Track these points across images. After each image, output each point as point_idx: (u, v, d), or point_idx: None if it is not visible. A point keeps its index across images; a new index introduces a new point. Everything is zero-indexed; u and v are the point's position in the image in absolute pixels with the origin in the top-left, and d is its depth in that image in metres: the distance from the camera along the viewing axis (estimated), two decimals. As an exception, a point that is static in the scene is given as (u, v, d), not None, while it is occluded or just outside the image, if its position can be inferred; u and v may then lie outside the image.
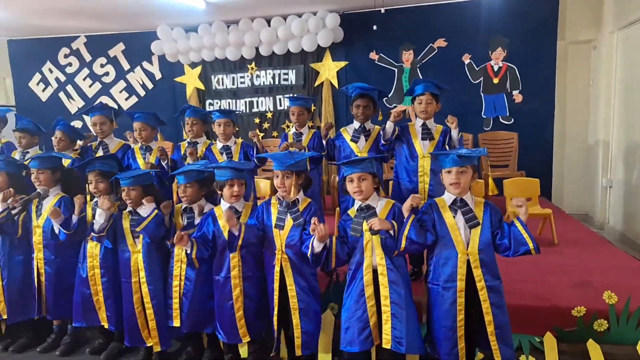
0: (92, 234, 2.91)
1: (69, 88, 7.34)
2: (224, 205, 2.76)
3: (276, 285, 2.66)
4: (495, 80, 6.26)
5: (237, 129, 3.91)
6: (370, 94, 3.39)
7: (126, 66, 7.22)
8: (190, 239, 2.63)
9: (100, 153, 3.73)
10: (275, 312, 2.68)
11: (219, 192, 2.79)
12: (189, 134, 3.68)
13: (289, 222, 2.64)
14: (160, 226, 2.83)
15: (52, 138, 3.85)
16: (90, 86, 7.31)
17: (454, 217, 2.45)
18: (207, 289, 2.86)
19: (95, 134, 3.93)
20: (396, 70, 6.54)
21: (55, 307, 3.21)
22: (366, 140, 3.42)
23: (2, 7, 5.76)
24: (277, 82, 6.91)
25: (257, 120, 7.01)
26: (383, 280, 2.46)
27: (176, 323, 2.87)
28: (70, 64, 7.28)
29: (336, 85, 6.69)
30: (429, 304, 2.55)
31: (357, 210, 2.55)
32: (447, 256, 2.43)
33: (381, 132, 3.31)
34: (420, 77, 6.44)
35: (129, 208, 2.93)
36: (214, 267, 2.80)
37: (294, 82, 6.86)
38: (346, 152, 3.46)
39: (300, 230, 2.61)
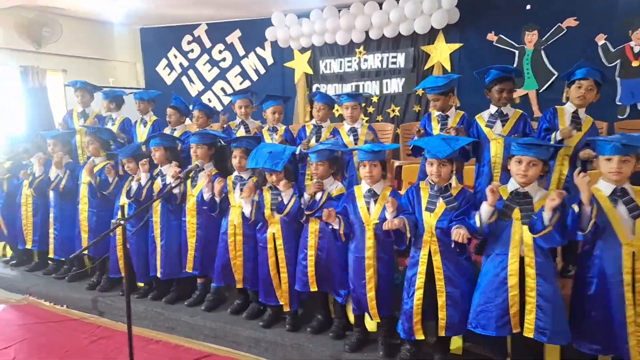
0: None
1: (191, 72, 7.91)
2: (364, 186, 2.85)
3: (423, 268, 2.65)
4: (635, 64, 5.52)
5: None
6: (512, 76, 3.20)
7: (241, 52, 7.58)
8: (337, 216, 2.77)
9: (241, 132, 4.02)
10: (419, 294, 2.65)
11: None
12: (316, 118, 3.80)
13: (440, 205, 2.61)
14: (298, 210, 3.04)
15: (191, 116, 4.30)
16: (209, 71, 7.81)
17: (614, 207, 2.32)
18: (338, 260, 3.01)
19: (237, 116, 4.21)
20: (517, 52, 6.06)
21: (202, 265, 3.55)
22: (503, 126, 3.23)
23: (140, -2, 6.35)
24: (384, 66, 6.78)
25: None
26: (530, 271, 2.39)
27: (313, 288, 3.06)
28: (192, 50, 7.84)
29: (448, 68, 6.39)
30: (586, 300, 2.45)
31: (512, 194, 2.46)
32: (609, 248, 2.32)
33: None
34: (545, 59, 5.92)
35: (269, 184, 3.15)
36: (351, 245, 2.90)
37: (402, 66, 6.69)
38: (482, 140, 3.30)
39: (452, 214, 2.57)
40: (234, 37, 7.56)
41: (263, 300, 3.32)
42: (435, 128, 3.50)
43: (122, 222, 2.57)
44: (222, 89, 7.77)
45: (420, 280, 2.65)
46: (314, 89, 7.22)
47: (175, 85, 7.94)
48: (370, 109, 6.92)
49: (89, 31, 7.58)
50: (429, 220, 2.62)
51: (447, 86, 3.43)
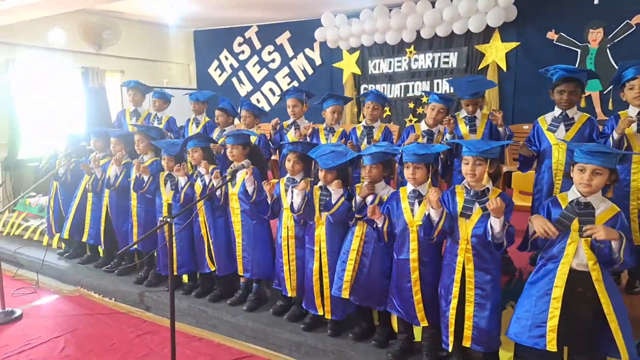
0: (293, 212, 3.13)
1: (241, 74, 8.03)
2: (409, 187, 2.78)
3: (458, 276, 2.54)
4: None
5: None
6: (578, 77, 2.97)
7: (290, 53, 7.60)
8: (382, 213, 2.72)
9: (291, 132, 4.01)
10: (454, 303, 2.56)
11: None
12: (368, 117, 3.77)
13: (477, 211, 2.48)
14: (346, 211, 2.96)
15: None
16: (258, 72, 7.89)
17: None
18: (381, 267, 2.92)
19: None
20: (579, 51, 5.70)
21: (251, 264, 3.51)
22: (567, 130, 3.00)
23: (195, 1, 6.49)
24: (436, 66, 6.59)
25: (411, 105, 6.81)
26: (600, 287, 2.19)
27: (345, 295, 2.95)
28: (242, 52, 7.95)
29: (504, 68, 6.12)
30: None
31: (572, 203, 2.26)
32: None
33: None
34: (611, 58, 5.52)
35: (320, 183, 3.11)
36: (395, 247, 2.81)
37: (454, 65, 6.47)
38: (542, 145, 3.10)
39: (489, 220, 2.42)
40: (283, 39, 7.60)
41: (305, 307, 3.25)
42: (464, 127, 3.45)
43: (168, 219, 2.59)
44: (271, 90, 7.84)
45: (456, 288, 2.55)
46: (362, 90, 7.13)
47: (225, 86, 8.08)
48: (420, 110, 6.74)
49: (146, 34, 7.87)
50: (465, 227, 2.50)
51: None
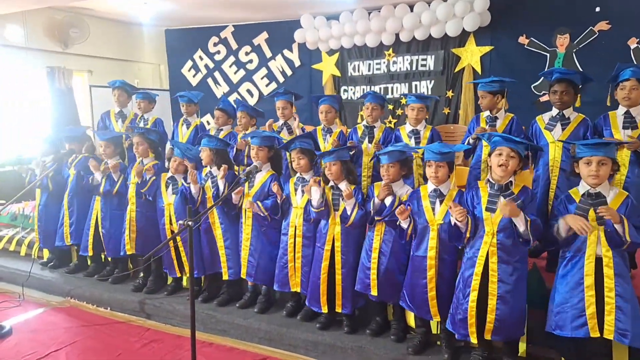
0: (311, 207, 3.14)
1: (216, 74, 7.89)
2: (430, 185, 2.84)
3: (479, 269, 2.62)
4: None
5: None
6: (571, 79, 3.18)
7: (268, 54, 7.56)
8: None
9: (284, 133, 4.01)
10: (473, 296, 2.63)
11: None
12: (368, 119, 3.78)
13: None
14: (363, 218, 3.02)
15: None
16: (235, 73, 7.78)
17: None
18: (398, 264, 2.98)
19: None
20: (548, 55, 6.04)
21: (255, 269, 3.47)
22: (563, 129, 3.21)
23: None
24: (414, 68, 6.77)
25: (390, 107, 6.94)
26: (609, 272, 2.35)
27: (374, 292, 3.01)
28: (218, 52, 7.81)
29: (479, 70, 6.38)
30: None
31: (585, 195, 2.44)
32: None
33: None
34: (577, 63, 5.90)
35: (331, 183, 3.12)
36: (413, 244, 2.87)
37: (432, 68, 6.67)
38: (540, 142, 3.28)
39: None
40: (261, 39, 7.54)
41: (308, 304, 3.28)
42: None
43: (190, 222, 2.53)
44: (248, 91, 7.75)
45: (475, 281, 2.63)
46: (341, 91, 7.21)
47: (200, 86, 7.89)
48: (399, 111, 6.90)
49: (114, 32, 7.58)
50: (490, 220, 2.59)
51: (499, 85, 3.46)
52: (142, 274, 4.07)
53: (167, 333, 3.61)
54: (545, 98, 6.09)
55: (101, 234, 4.05)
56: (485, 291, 2.62)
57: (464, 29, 6.19)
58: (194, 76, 8.02)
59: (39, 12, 6.41)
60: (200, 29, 7.81)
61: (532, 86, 6.07)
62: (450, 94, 6.57)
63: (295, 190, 3.27)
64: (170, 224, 3.68)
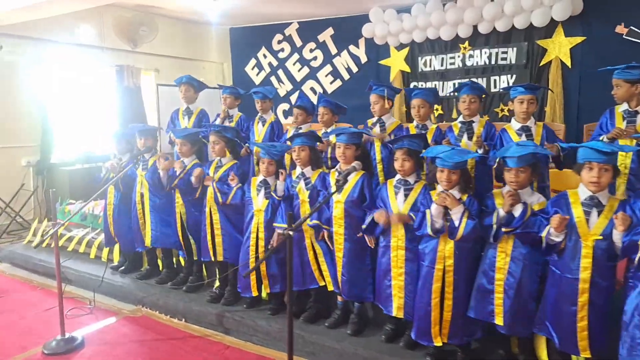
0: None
1: (280, 72, 7.71)
2: (583, 191, 2.45)
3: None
4: None
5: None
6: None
7: (333, 50, 7.29)
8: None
9: (376, 129, 3.63)
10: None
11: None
12: (465, 113, 3.41)
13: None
14: (477, 230, 2.62)
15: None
16: (299, 70, 7.57)
17: None
18: (530, 289, 2.55)
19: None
20: (651, 45, 5.42)
21: (348, 284, 3.12)
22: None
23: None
24: (493, 62, 6.27)
25: (464, 105, 6.49)
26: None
27: (498, 321, 2.58)
28: (282, 50, 7.63)
29: (568, 64, 5.81)
30: None
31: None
32: None
33: None
34: (687, 53, 5.24)
35: (439, 189, 2.73)
36: (560, 263, 2.42)
37: (513, 62, 6.16)
38: None
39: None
40: (326, 35, 7.28)
41: (415, 337, 2.82)
42: (620, 124, 3.10)
43: (290, 232, 2.25)
44: (312, 89, 7.52)
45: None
46: (411, 87, 6.82)
47: (263, 84, 7.75)
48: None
49: (180, 31, 7.54)
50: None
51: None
52: (217, 284, 3.82)
53: (250, 353, 3.28)
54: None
55: (190, 237, 3.84)
56: None
57: (552, 18, 5.65)
58: (257, 74, 7.87)
59: (109, 11, 6.44)
60: (265, 27, 7.66)
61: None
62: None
63: (396, 194, 2.90)
64: (258, 232, 3.39)
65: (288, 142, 3.59)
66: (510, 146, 2.61)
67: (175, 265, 4.22)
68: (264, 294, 3.63)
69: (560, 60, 5.86)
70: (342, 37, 7.18)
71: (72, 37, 6.31)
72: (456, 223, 2.58)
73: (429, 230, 2.63)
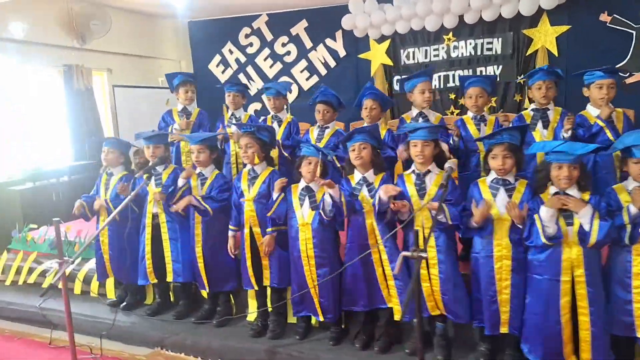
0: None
1: (249, 69, 7.06)
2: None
3: None
4: None
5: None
6: None
7: (308, 44, 6.79)
8: None
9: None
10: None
11: None
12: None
13: None
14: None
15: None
16: (270, 67, 6.98)
17: None
18: None
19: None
20: (634, 33, 5.56)
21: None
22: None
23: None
24: (478, 53, 6.17)
25: (452, 96, 6.35)
26: None
27: None
28: (251, 44, 6.98)
29: (555, 52, 5.83)
30: None
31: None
32: None
33: None
34: (667, 39, 5.44)
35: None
36: None
37: (499, 52, 6.08)
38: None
39: None
40: (299, 28, 6.76)
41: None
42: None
43: (422, 255, 1.82)
44: (287, 86, 6.96)
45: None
46: (394, 82, 6.54)
47: (230, 82, 7.05)
48: (462, 101, 6.28)
49: (134, 25, 6.66)
50: None
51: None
52: (256, 314, 3.23)
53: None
54: (632, 79, 5.64)
55: (202, 265, 3.21)
56: None
57: (539, 6, 5.63)
58: (222, 72, 7.14)
59: (50, 3, 5.45)
60: (230, 20, 6.95)
61: (616, 67, 5.57)
62: (521, 79, 5.99)
63: (494, 195, 2.54)
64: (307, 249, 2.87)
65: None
66: (631, 134, 2.36)
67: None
68: (313, 320, 3.14)
69: (547, 49, 5.87)
70: (318, 30, 6.70)
71: (5, 32, 5.26)
72: (586, 227, 2.27)
73: (542, 239, 2.30)
